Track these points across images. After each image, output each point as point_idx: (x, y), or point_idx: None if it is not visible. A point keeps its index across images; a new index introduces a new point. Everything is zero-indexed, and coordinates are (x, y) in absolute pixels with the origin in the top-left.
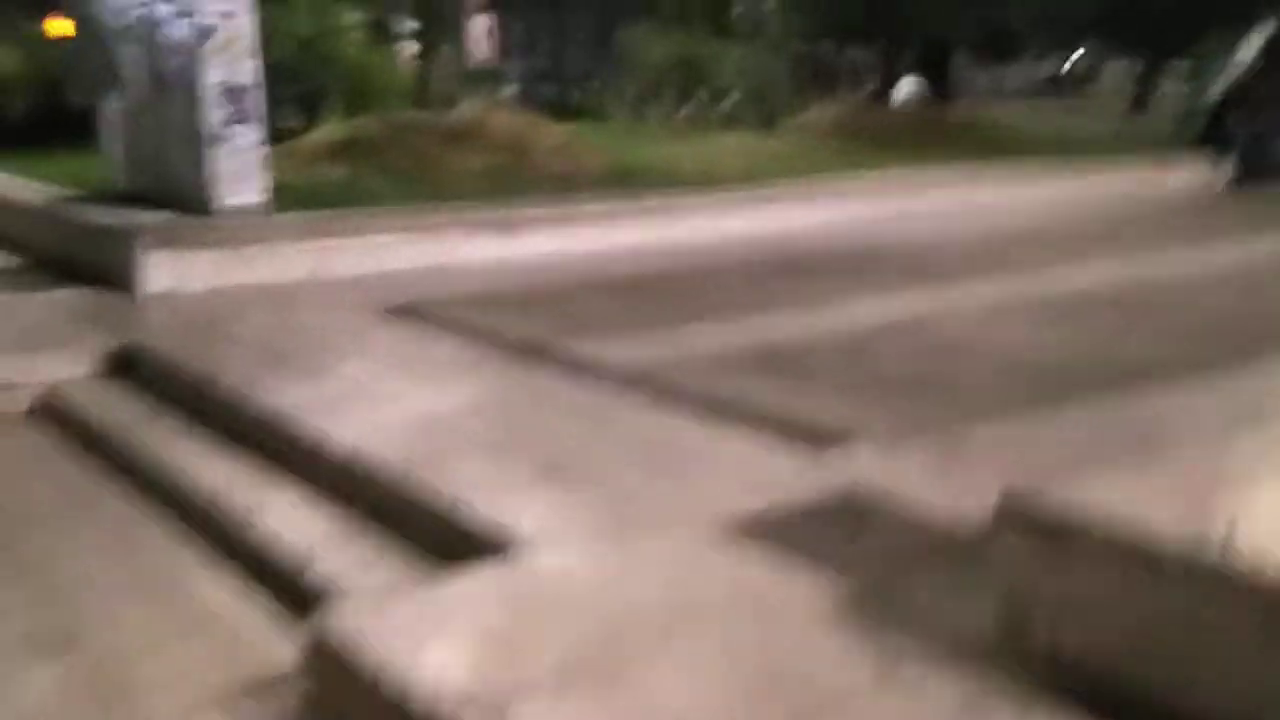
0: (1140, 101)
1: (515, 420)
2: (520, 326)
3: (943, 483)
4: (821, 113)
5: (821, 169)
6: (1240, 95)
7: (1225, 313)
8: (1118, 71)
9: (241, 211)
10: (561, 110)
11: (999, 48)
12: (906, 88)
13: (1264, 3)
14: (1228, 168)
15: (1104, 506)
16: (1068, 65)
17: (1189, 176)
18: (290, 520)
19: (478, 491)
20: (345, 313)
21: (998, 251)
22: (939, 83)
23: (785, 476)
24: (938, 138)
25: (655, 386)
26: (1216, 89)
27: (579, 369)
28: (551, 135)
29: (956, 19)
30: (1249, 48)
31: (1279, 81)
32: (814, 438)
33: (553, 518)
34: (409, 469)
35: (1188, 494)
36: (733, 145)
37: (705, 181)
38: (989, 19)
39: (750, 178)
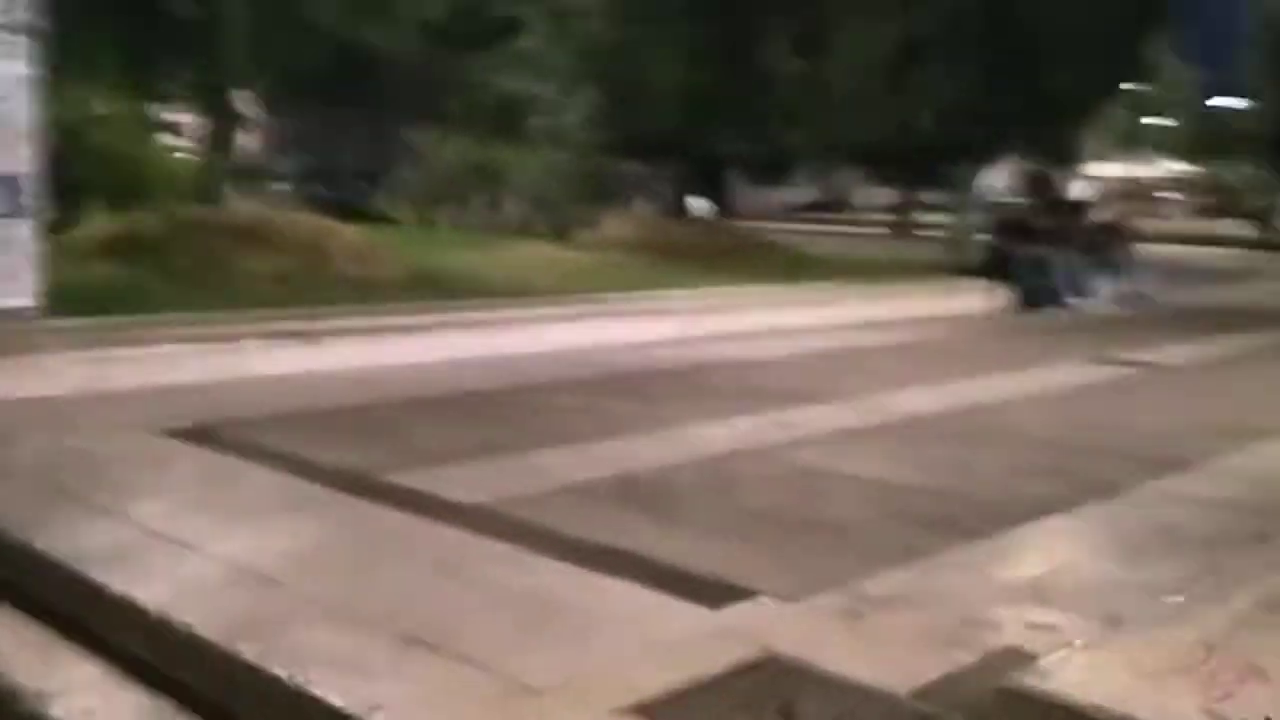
0: (900, 227)
1: (356, 574)
2: (340, 453)
3: (865, 649)
4: (617, 226)
5: (634, 284)
6: (1017, 225)
7: (1060, 441)
8: (872, 196)
9: (11, 315)
10: (339, 211)
11: (772, 170)
12: (697, 204)
13: (1007, 142)
14: (1011, 293)
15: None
16: (822, 189)
17: (976, 301)
18: (89, 707)
19: (328, 671)
20: (133, 435)
21: (822, 374)
22: (718, 200)
23: (687, 643)
24: (737, 255)
25: (513, 529)
26: (977, 219)
27: (420, 507)
28: (347, 238)
29: (741, 140)
30: (996, 180)
31: (1053, 213)
32: (707, 592)
33: (427, 708)
34: (237, 640)
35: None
36: (533, 255)
37: (517, 292)
38: (771, 141)
39: (563, 290)
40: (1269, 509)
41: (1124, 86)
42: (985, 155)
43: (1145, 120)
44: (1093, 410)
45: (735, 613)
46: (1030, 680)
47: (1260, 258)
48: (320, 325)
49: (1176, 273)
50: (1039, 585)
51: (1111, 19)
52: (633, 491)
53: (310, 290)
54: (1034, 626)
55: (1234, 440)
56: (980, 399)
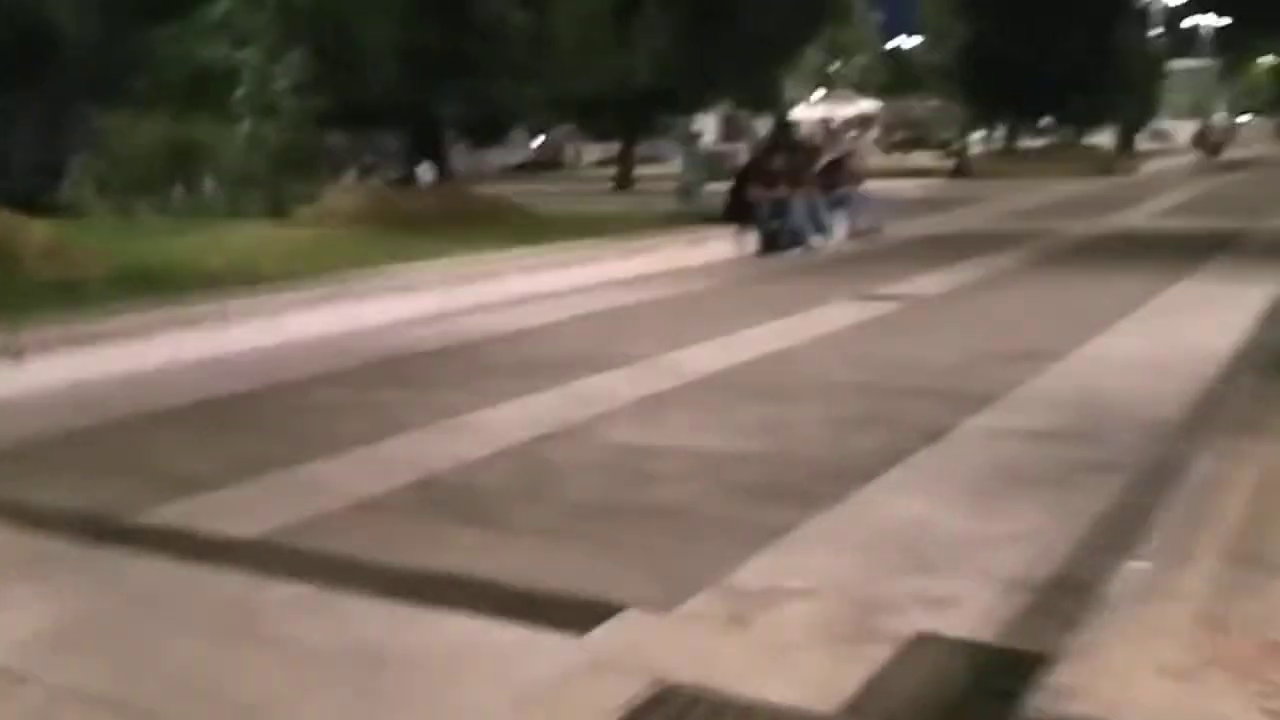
0: (623, 180)
1: (122, 654)
2: (72, 492)
3: (768, 661)
4: (340, 199)
5: (372, 260)
6: (756, 169)
7: (862, 385)
8: (585, 152)
9: None
10: (17, 205)
11: (489, 130)
12: (425, 171)
13: (717, 89)
14: (753, 239)
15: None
16: (536, 146)
17: (723, 249)
18: None
19: None
20: None
21: (600, 338)
22: (438, 164)
23: (565, 685)
24: (470, 221)
25: (307, 564)
26: (702, 167)
27: (185, 550)
28: (36, 236)
29: (460, 99)
30: (706, 129)
31: (791, 158)
32: (564, 614)
33: None
34: None
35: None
36: (252, 237)
37: (244, 279)
38: (484, 101)
39: (295, 273)
40: (1091, 435)
41: (819, 31)
42: (697, 103)
43: (839, 62)
44: (877, 349)
45: (606, 636)
46: (1058, 705)
47: (958, 186)
48: (21, 338)
49: (891, 205)
50: (912, 551)
51: None
52: (438, 498)
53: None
54: (934, 602)
55: (1023, 366)
56: (766, 349)
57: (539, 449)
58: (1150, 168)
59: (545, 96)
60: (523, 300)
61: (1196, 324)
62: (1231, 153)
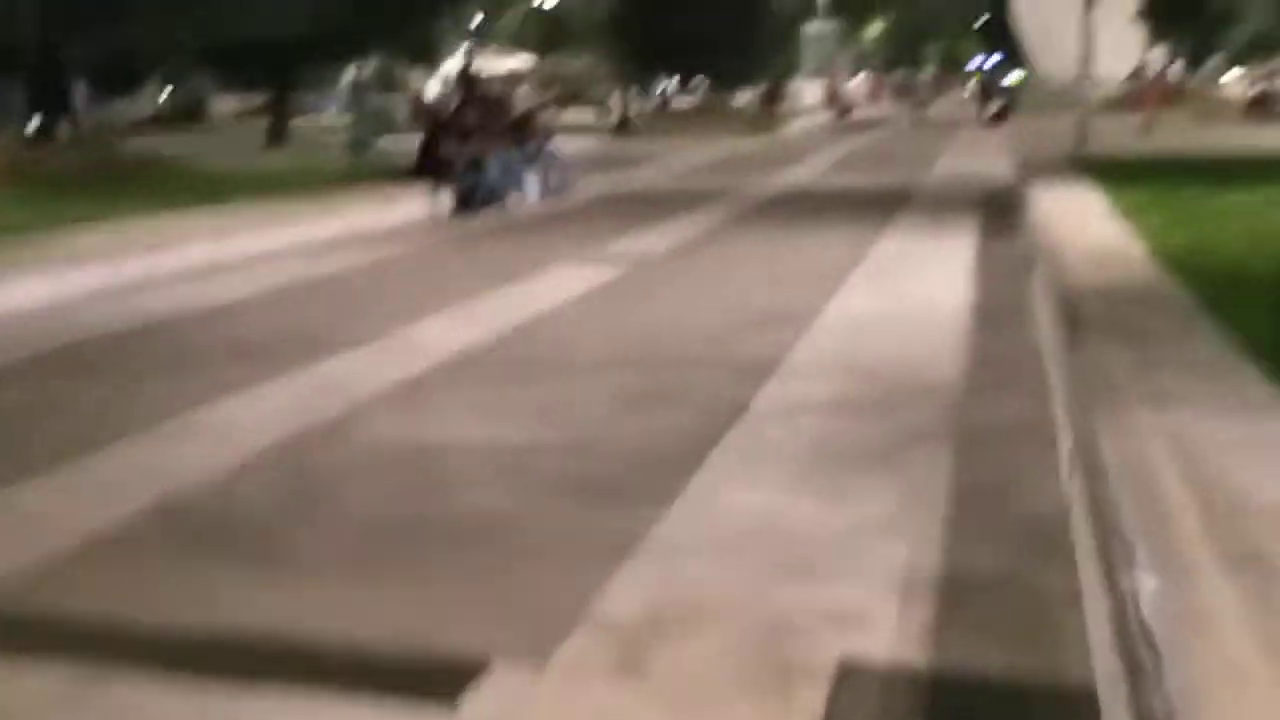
0: (277, 133)
1: None
2: None
3: (687, 716)
4: None
5: (13, 226)
6: (448, 124)
7: (636, 358)
8: (225, 103)
9: None
10: None
11: (119, 79)
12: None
13: (373, 39)
14: (448, 197)
15: None
16: (164, 98)
17: (417, 208)
18: None
19: None
20: None
21: (317, 313)
22: (62, 115)
23: None
24: (124, 181)
25: (52, 638)
26: (370, 122)
27: None
28: None
29: (92, 44)
30: (356, 78)
31: (484, 112)
32: (416, 678)
33: None
34: None
35: None
36: None
37: None
38: (124, 44)
39: None
40: (886, 402)
41: None
42: (356, 52)
43: (503, 15)
44: (629, 316)
45: (479, 708)
46: None
47: (625, 144)
48: None
49: (569, 162)
50: (783, 552)
51: None
52: (191, 526)
53: None
54: (838, 618)
55: (784, 329)
56: (510, 320)
57: (295, 453)
58: (794, 127)
59: (195, 41)
60: (210, 271)
61: (920, 280)
62: (859, 112)
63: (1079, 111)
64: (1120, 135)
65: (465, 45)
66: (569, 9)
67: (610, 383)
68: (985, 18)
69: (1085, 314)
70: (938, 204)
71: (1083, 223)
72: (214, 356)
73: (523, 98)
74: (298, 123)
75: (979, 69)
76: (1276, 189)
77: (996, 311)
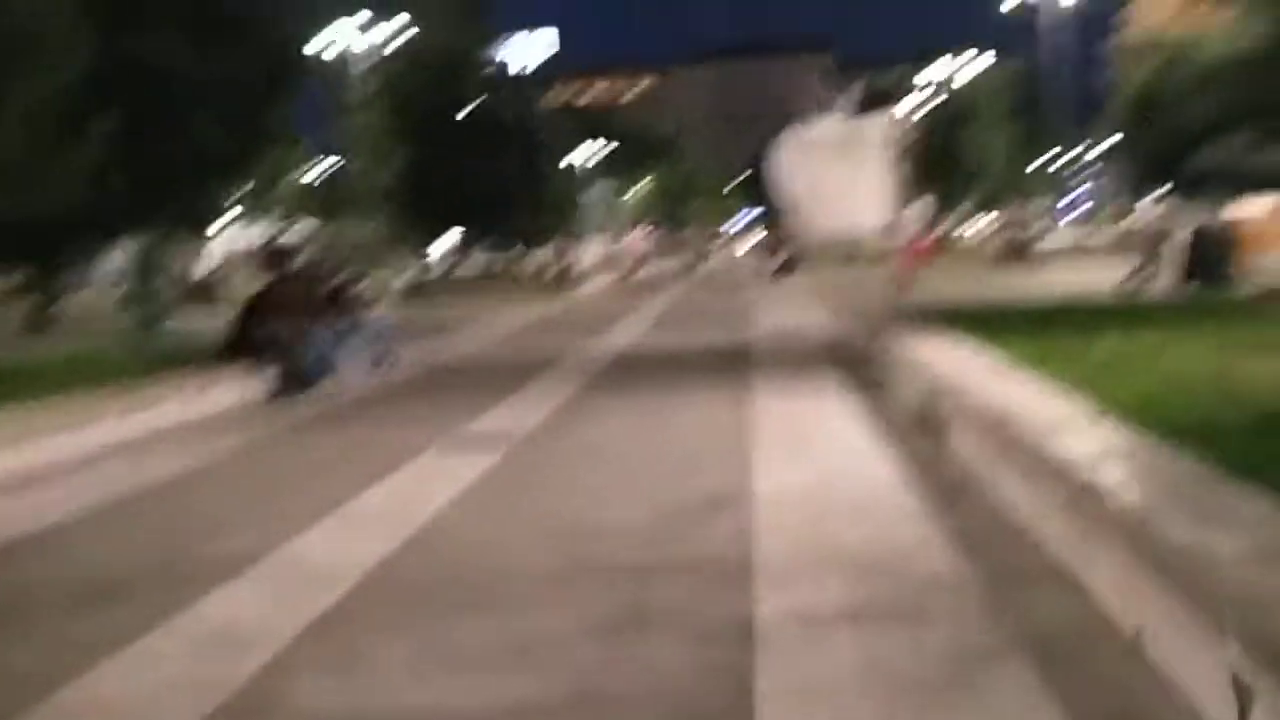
0: (40, 317)
1: None
2: None
3: None
4: None
5: None
6: (259, 301)
7: (591, 573)
8: None
9: None
10: None
11: None
12: None
13: (150, 211)
14: (269, 379)
15: None
16: None
17: (235, 393)
18: None
19: None
20: None
21: (167, 532)
22: None
23: None
24: None
25: None
26: (156, 299)
27: None
28: None
29: None
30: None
31: (297, 287)
32: None
33: None
34: None
35: None
36: None
37: None
38: None
39: None
40: (911, 607)
41: (262, 149)
42: (135, 224)
43: (281, 182)
44: (540, 510)
45: None
46: None
47: (426, 309)
48: None
49: (392, 333)
50: None
51: (242, 84)
52: None
53: None
54: None
55: (724, 516)
56: (407, 522)
57: None
58: (587, 287)
59: None
60: (14, 486)
61: (830, 448)
62: (642, 270)
63: (881, 263)
64: (910, 286)
65: (238, 215)
66: (353, 174)
67: (569, 604)
68: (746, 174)
69: (1119, 493)
70: (786, 362)
71: (987, 378)
72: (55, 602)
73: (331, 268)
74: (66, 303)
75: (765, 220)
76: (1139, 333)
77: (937, 481)
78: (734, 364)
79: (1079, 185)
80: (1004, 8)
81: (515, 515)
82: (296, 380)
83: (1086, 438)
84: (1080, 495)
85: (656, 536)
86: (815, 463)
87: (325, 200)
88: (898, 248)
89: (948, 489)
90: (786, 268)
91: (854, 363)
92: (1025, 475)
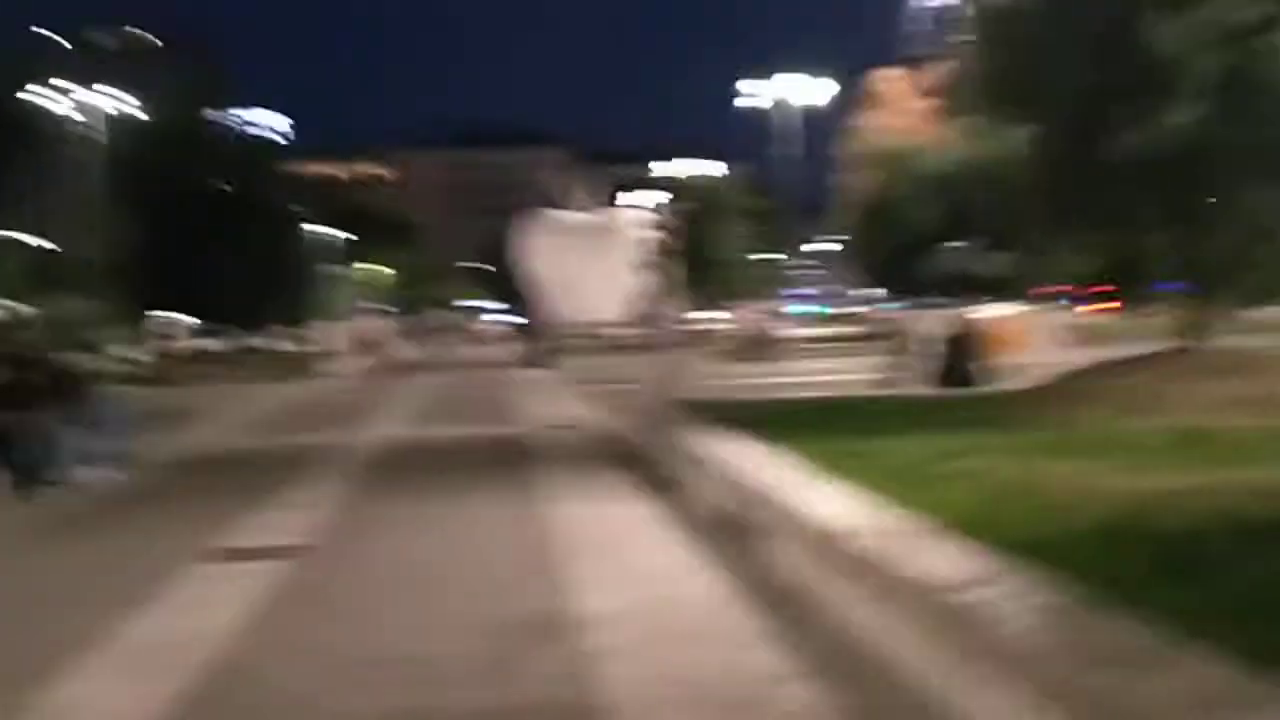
0: None
1: None
2: None
3: None
4: None
5: None
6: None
7: (491, 709)
8: None
9: None
10: None
11: None
12: None
13: None
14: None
15: None
16: None
17: None
18: None
19: None
20: None
21: None
22: None
23: None
24: None
25: None
26: None
27: None
28: None
29: None
30: None
31: (17, 374)
32: None
33: None
34: None
35: None
36: None
37: None
38: None
39: None
40: None
41: None
42: None
43: None
44: (350, 644)
45: None
46: None
47: (158, 394)
48: None
49: (128, 422)
50: None
51: None
52: None
53: None
54: None
55: (563, 644)
56: (191, 661)
57: None
58: (334, 371)
59: None
60: None
61: (642, 560)
62: (388, 355)
63: (637, 353)
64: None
65: None
66: (61, 252)
67: None
68: (487, 260)
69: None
70: (567, 459)
71: (794, 484)
72: None
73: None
74: None
75: (513, 308)
76: (920, 434)
77: (770, 599)
78: (514, 462)
79: (807, 282)
80: (736, 110)
81: (321, 650)
82: (24, 479)
83: (931, 555)
84: (950, 622)
85: (487, 674)
86: (632, 577)
87: (38, 277)
88: (649, 341)
89: (783, 608)
90: (541, 357)
91: (638, 461)
92: (875, 597)
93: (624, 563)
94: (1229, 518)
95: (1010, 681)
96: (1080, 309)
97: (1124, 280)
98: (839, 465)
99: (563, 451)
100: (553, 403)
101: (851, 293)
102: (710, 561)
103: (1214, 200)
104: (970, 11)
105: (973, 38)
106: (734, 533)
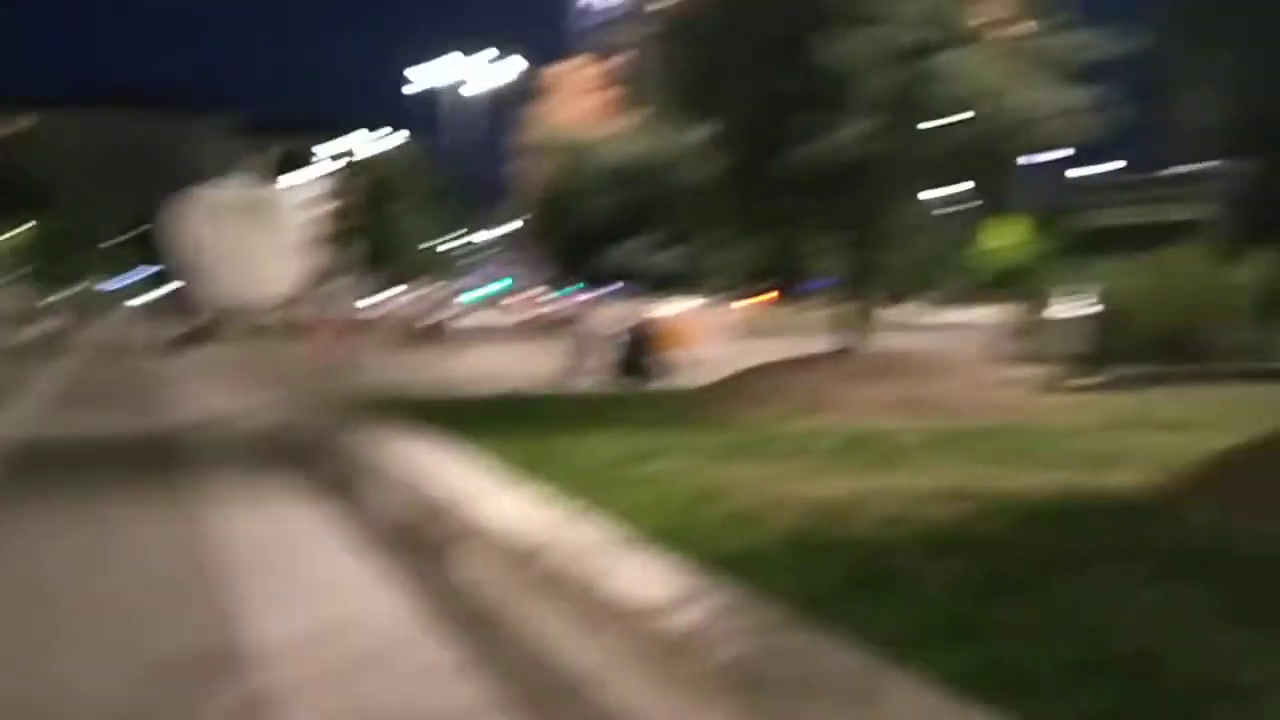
0: None
1: None
2: None
3: None
4: None
5: None
6: None
7: None
8: None
9: None
10: None
11: None
12: None
13: None
14: None
15: None
16: None
17: None
18: None
19: None
20: None
21: None
22: None
23: None
24: None
25: None
26: None
27: None
28: None
29: None
30: None
31: None
32: None
33: None
34: None
35: None
36: None
37: None
38: None
39: None
40: None
41: None
42: None
43: None
44: None
45: None
46: None
47: None
48: None
49: None
50: None
51: None
52: None
53: None
54: None
55: (231, 686)
56: None
57: None
58: None
59: None
60: None
61: (324, 579)
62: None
63: (299, 338)
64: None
65: None
66: None
67: None
68: (138, 230)
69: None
70: (229, 457)
71: (482, 489)
72: None
73: None
74: None
75: (163, 283)
76: (611, 433)
77: (463, 621)
78: (169, 460)
79: (482, 268)
80: (417, 88)
81: None
82: None
83: (633, 571)
84: (659, 649)
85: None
86: (310, 598)
87: None
88: (317, 324)
89: (479, 632)
90: (195, 338)
91: (307, 459)
92: (577, 619)
93: (301, 581)
94: (908, 524)
95: (729, 715)
96: (740, 303)
97: (781, 277)
98: (528, 467)
99: (226, 448)
100: (213, 391)
101: (530, 279)
102: (396, 579)
103: (871, 209)
104: (652, 10)
105: (654, 36)
106: (419, 545)
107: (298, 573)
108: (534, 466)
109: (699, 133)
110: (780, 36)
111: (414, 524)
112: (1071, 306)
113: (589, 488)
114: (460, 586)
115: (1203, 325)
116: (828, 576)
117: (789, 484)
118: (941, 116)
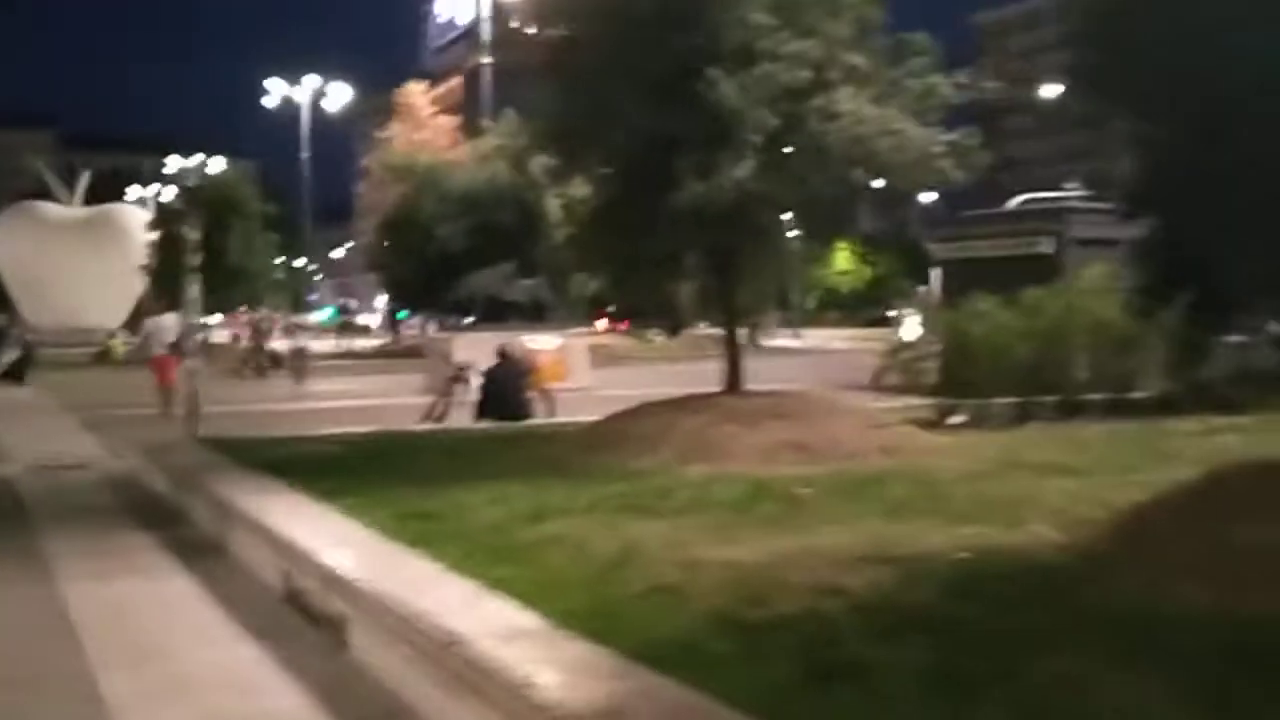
0: None
1: None
2: None
3: None
4: None
5: None
6: None
7: None
8: None
9: None
10: None
11: None
12: None
13: None
14: None
15: None
16: None
17: None
18: None
19: None
20: None
21: None
22: None
23: None
24: None
25: None
26: None
27: None
28: None
29: None
30: None
31: None
32: None
33: None
34: None
35: None
36: None
37: None
38: None
39: None
40: None
41: None
42: None
43: None
44: None
45: None
46: None
47: None
48: None
49: None
50: None
51: None
52: None
53: None
54: None
55: None
56: None
57: None
58: None
59: None
60: None
61: (202, 664)
62: None
63: (128, 368)
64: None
65: None
66: None
67: None
68: None
69: None
70: (76, 514)
71: (371, 559)
72: None
73: None
74: None
75: None
76: (495, 489)
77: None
78: (5, 517)
79: (321, 293)
80: (258, 109)
81: None
82: None
83: (557, 670)
84: None
85: None
86: (189, 688)
87: None
88: (153, 358)
89: None
90: (12, 373)
91: (163, 516)
92: None
93: (175, 670)
94: (840, 597)
95: None
96: (596, 329)
97: (649, 309)
98: (412, 531)
99: (67, 502)
100: (44, 433)
101: (374, 306)
102: (281, 665)
103: (744, 244)
104: (522, 39)
105: (530, 69)
106: (304, 621)
107: (174, 656)
108: (419, 529)
109: (572, 168)
110: (668, 74)
111: (292, 598)
112: (920, 334)
113: (484, 554)
114: (360, 676)
115: (1060, 357)
116: (781, 669)
117: (700, 547)
118: (823, 156)
